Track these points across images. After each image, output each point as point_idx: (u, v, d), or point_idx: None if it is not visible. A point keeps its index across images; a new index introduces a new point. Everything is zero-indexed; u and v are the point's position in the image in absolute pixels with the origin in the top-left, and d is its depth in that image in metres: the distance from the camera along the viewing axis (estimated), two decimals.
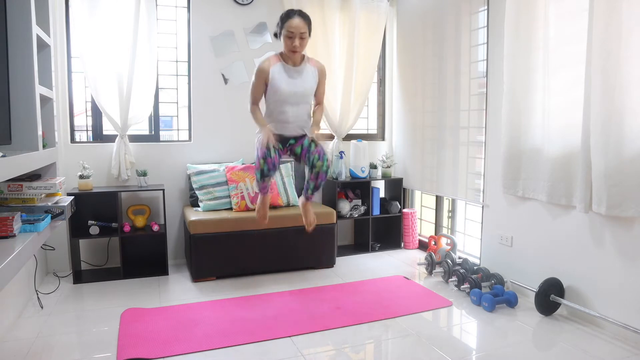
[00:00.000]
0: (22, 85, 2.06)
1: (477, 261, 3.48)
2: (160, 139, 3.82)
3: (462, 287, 3.04)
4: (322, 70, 2.79)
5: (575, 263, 2.67)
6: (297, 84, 2.68)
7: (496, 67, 3.15)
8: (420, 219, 4.40)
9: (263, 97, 2.76)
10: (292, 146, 2.83)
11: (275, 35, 2.72)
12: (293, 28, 2.55)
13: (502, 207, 3.20)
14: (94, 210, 3.49)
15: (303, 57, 2.73)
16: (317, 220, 3.53)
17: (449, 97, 3.67)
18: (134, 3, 3.37)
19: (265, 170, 2.59)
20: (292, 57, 2.66)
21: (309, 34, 2.64)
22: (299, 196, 3.28)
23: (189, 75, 3.83)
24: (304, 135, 2.80)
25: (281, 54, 2.71)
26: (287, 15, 2.59)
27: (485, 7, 3.27)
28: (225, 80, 3.86)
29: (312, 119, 2.85)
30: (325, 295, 3.05)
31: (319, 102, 2.87)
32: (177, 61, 3.82)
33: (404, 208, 4.32)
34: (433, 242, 3.70)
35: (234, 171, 3.61)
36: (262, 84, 2.69)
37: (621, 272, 2.41)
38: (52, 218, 1.98)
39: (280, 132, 2.77)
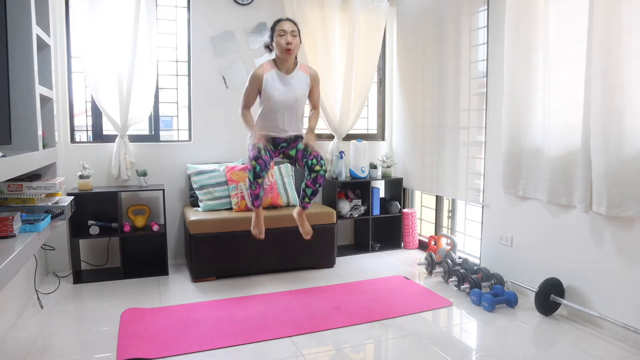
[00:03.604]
0: (22, 85, 2.06)
1: (477, 261, 3.48)
2: (160, 139, 3.82)
3: (462, 287, 3.04)
4: (314, 76, 2.87)
5: (575, 263, 2.67)
6: (289, 92, 2.76)
7: (496, 67, 3.15)
8: (420, 219, 4.40)
9: (257, 100, 2.83)
10: (285, 149, 2.89)
11: (267, 47, 2.81)
12: (285, 27, 2.67)
13: (502, 207, 3.20)
14: (94, 210, 3.49)
15: (295, 64, 2.80)
16: (317, 220, 3.55)
17: (449, 97, 3.67)
18: (134, 3, 3.37)
19: (257, 170, 2.63)
20: (285, 59, 2.72)
21: (299, 37, 2.74)
22: (299, 196, 3.31)
23: (189, 75, 3.83)
24: (297, 138, 2.86)
25: (274, 61, 2.78)
26: (276, 21, 2.74)
27: (485, 7, 3.27)
28: (226, 85, 3.86)
29: (306, 123, 2.90)
30: (325, 295, 3.05)
31: (314, 106, 2.94)
32: (177, 61, 3.82)
33: (404, 208, 4.32)
34: (433, 242, 3.70)
35: (234, 171, 3.61)
36: (255, 90, 2.77)
37: (621, 272, 2.41)
38: (52, 218, 1.98)
39: (272, 135, 2.83)
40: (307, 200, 2.88)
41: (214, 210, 3.53)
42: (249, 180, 2.71)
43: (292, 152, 2.87)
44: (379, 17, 4.12)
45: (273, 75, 2.74)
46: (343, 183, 4.08)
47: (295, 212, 3.00)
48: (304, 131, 2.91)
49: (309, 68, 2.88)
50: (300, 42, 2.76)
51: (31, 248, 1.68)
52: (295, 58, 2.80)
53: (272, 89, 2.72)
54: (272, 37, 2.74)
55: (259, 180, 2.69)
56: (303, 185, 2.87)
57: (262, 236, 2.90)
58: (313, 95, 2.89)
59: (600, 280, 2.53)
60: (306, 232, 2.96)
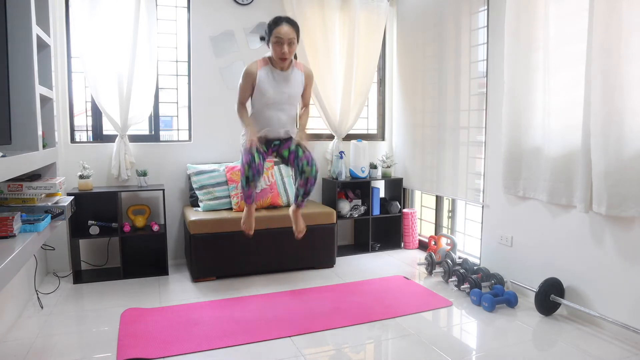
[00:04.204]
0: (22, 85, 2.06)
1: (477, 261, 3.48)
2: (160, 139, 3.82)
3: (462, 287, 3.04)
4: (308, 74, 2.85)
5: (576, 263, 2.67)
6: (283, 89, 2.73)
7: (496, 67, 3.15)
8: (420, 219, 4.40)
9: (250, 98, 2.83)
10: (278, 148, 2.89)
11: (262, 39, 2.79)
12: (282, 34, 2.59)
13: (502, 207, 3.20)
14: (94, 210, 3.49)
15: (290, 61, 2.77)
16: (317, 220, 3.55)
17: (449, 97, 3.67)
18: (134, 3, 3.37)
19: (250, 177, 2.66)
20: (280, 63, 2.70)
21: (297, 41, 2.69)
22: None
23: (189, 75, 3.83)
24: (289, 138, 2.86)
25: (269, 58, 2.76)
26: (275, 22, 2.64)
27: (485, 7, 3.27)
28: (226, 84, 3.87)
29: (298, 122, 2.91)
30: (325, 295, 3.05)
31: (305, 104, 2.93)
32: (177, 61, 3.82)
33: (404, 208, 4.32)
34: (433, 242, 3.70)
35: (234, 171, 3.61)
36: (249, 87, 2.75)
37: (621, 272, 2.41)
38: (52, 218, 1.98)
39: (264, 134, 2.82)
40: (300, 199, 2.91)
41: (214, 210, 3.53)
42: (242, 183, 2.76)
43: (285, 153, 2.87)
44: (379, 17, 4.12)
45: (267, 71, 2.72)
46: (343, 183, 4.08)
47: (290, 210, 3.02)
48: (296, 131, 2.90)
49: (304, 66, 2.88)
50: (298, 41, 2.71)
51: (31, 248, 1.68)
52: (290, 63, 2.77)
53: (266, 85, 2.70)
54: (268, 36, 2.67)
55: (251, 184, 2.73)
56: (296, 185, 2.90)
57: (251, 232, 2.90)
58: (305, 94, 2.88)
59: (600, 280, 2.53)
60: (300, 230, 2.95)
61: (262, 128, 2.81)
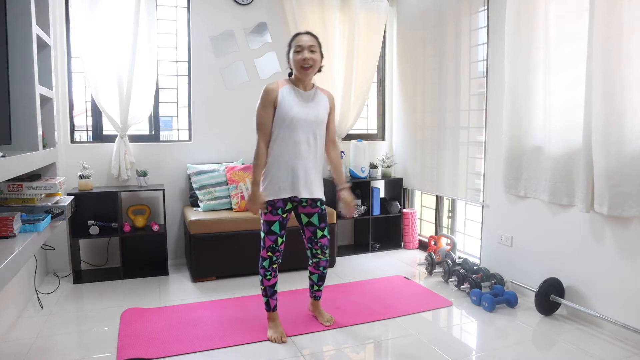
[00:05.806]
0: (22, 85, 2.06)
1: (477, 261, 3.48)
2: (160, 139, 3.82)
3: (462, 287, 3.04)
4: (331, 98, 2.52)
5: (576, 263, 2.67)
6: (310, 108, 2.37)
7: (496, 67, 3.15)
8: (420, 219, 4.40)
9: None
10: (299, 207, 2.51)
11: (289, 70, 2.45)
12: (301, 42, 2.33)
13: (502, 207, 3.19)
14: (94, 210, 3.49)
15: (313, 85, 2.46)
16: None
17: (449, 97, 3.67)
18: (134, 3, 3.37)
19: (274, 259, 2.45)
20: (303, 77, 2.36)
21: (320, 53, 2.38)
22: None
23: (189, 75, 3.83)
24: (316, 201, 2.50)
25: (289, 79, 2.44)
26: (294, 35, 2.40)
27: (485, 7, 3.27)
28: (226, 85, 3.87)
29: (331, 166, 2.61)
30: (325, 295, 3.05)
31: (332, 139, 2.56)
32: (177, 61, 3.82)
33: (404, 208, 4.32)
34: (433, 242, 3.70)
35: (234, 171, 3.61)
36: (269, 110, 2.34)
37: (621, 272, 2.41)
38: (52, 218, 1.98)
39: (289, 189, 2.39)
40: (316, 288, 2.65)
41: (214, 210, 3.52)
42: (263, 267, 2.44)
43: (303, 218, 2.52)
44: (379, 17, 4.12)
45: (289, 90, 2.36)
46: None
47: (309, 305, 2.74)
48: (322, 194, 2.55)
49: (327, 91, 2.54)
50: (322, 56, 2.39)
51: (31, 248, 1.68)
52: (313, 86, 2.46)
53: (289, 103, 2.32)
54: (288, 53, 2.40)
55: (274, 266, 2.46)
56: (308, 273, 2.68)
57: (285, 340, 2.43)
58: (330, 122, 2.51)
59: (600, 280, 2.53)
60: (327, 320, 2.63)
61: (281, 181, 2.37)
